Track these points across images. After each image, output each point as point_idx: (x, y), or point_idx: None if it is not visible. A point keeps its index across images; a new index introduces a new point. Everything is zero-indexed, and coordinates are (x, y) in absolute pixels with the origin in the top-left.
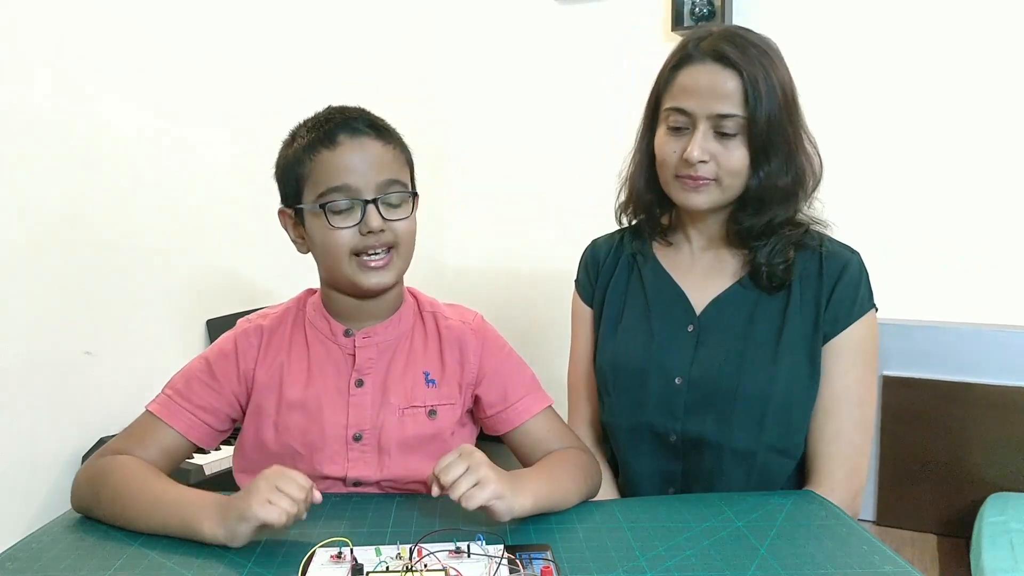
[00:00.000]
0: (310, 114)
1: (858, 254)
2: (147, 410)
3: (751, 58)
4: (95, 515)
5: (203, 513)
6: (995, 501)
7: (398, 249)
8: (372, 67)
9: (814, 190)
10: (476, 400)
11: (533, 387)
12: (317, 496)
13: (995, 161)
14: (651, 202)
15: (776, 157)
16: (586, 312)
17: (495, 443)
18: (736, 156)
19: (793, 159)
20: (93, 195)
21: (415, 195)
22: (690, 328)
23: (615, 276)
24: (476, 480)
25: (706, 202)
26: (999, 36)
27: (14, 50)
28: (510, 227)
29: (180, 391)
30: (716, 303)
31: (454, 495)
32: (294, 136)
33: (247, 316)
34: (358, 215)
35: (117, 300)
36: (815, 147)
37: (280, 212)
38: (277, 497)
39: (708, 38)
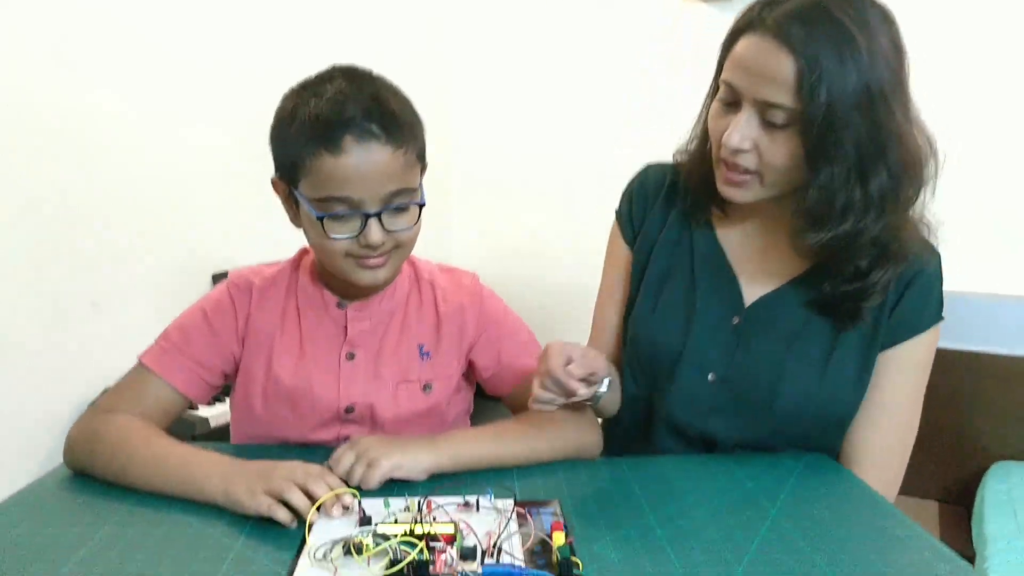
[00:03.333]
0: (312, 73)
1: (937, 256)
2: (141, 362)
3: (822, 39)
4: (91, 474)
5: (208, 476)
6: (999, 469)
7: (399, 251)
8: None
9: (914, 200)
10: (471, 364)
11: (529, 347)
12: (341, 507)
13: (999, 131)
14: (707, 173)
15: (840, 163)
16: (623, 253)
17: (493, 401)
18: (782, 152)
19: (870, 166)
20: (100, 150)
21: (422, 205)
22: (735, 321)
23: (665, 231)
24: (367, 463)
25: (744, 198)
26: None
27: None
28: (517, 229)
29: (178, 344)
30: (767, 300)
31: (352, 483)
32: (294, 111)
33: (237, 270)
34: (358, 225)
35: (122, 252)
36: (924, 145)
37: (273, 182)
38: (276, 506)
39: (781, 5)
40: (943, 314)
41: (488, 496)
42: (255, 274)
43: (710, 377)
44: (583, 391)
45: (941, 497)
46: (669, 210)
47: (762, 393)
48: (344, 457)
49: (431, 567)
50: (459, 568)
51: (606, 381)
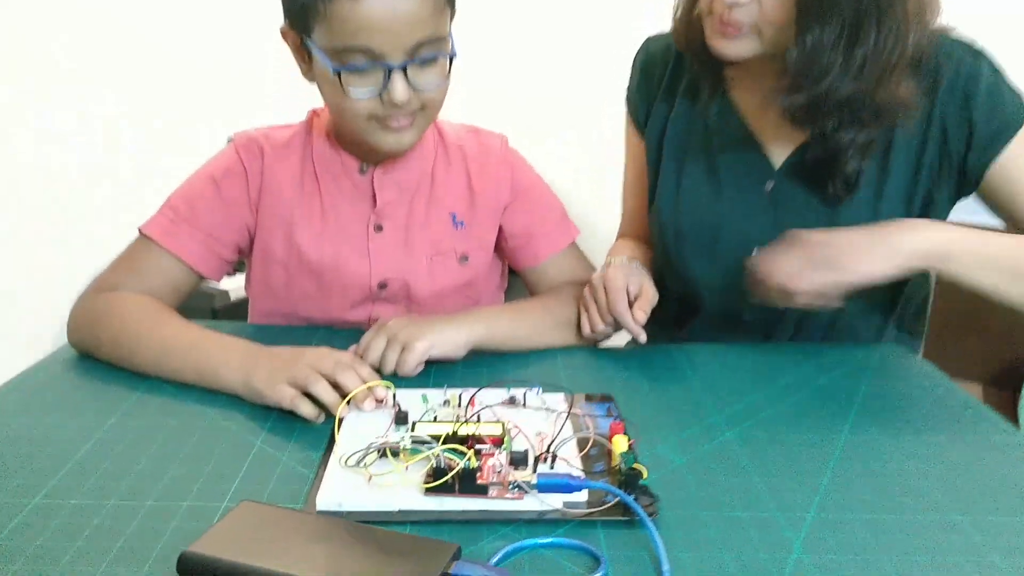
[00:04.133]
0: None
1: (983, 56)
2: (144, 235)
3: None
4: (97, 357)
5: (225, 362)
6: None
7: (425, 112)
8: None
9: (900, 64)
10: (500, 231)
11: (559, 220)
12: (375, 398)
13: None
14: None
15: (832, 22)
16: (636, 142)
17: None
18: (781, 4)
19: (862, 30)
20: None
21: (452, 57)
22: (769, 187)
23: (675, 109)
24: (400, 346)
25: (738, 51)
26: None
27: None
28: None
29: (184, 214)
30: (799, 157)
31: (387, 370)
32: None
33: (243, 132)
34: (380, 79)
35: (136, 113)
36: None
37: (282, 31)
38: (300, 399)
39: None
40: None
41: (536, 390)
42: (264, 137)
43: (755, 253)
44: (643, 337)
45: (988, 380)
46: (676, 87)
47: None
48: (374, 343)
49: (478, 475)
50: (510, 478)
51: None
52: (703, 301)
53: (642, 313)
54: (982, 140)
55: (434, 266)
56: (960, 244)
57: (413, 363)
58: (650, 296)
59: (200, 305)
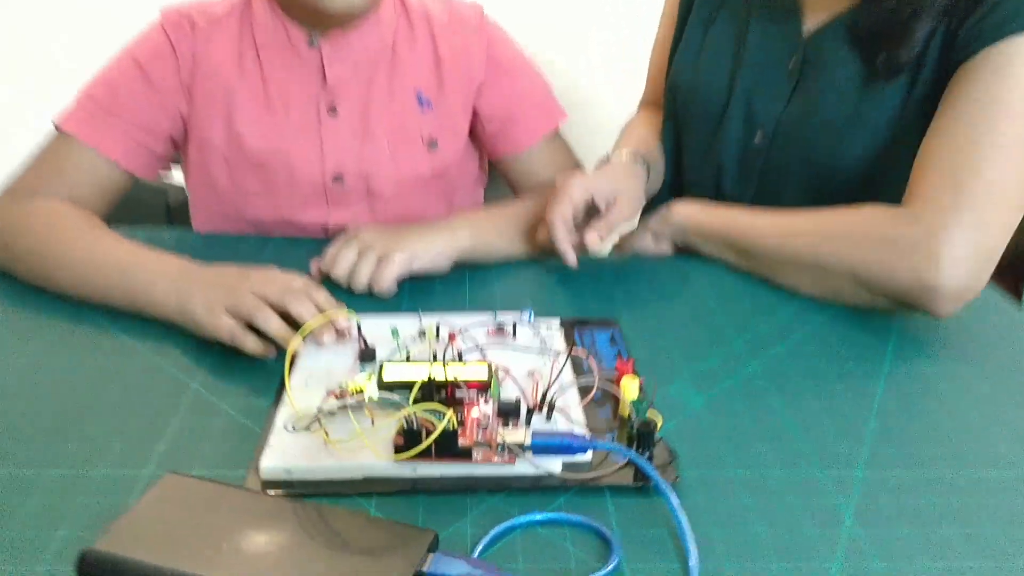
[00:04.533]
0: None
1: None
2: (61, 130)
3: None
4: (13, 275)
5: (154, 284)
6: None
7: None
8: None
9: None
10: (475, 114)
11: (542, 100)
12: (335, 328)
13: None
14: None
15: None
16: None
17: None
18: None
19: None
20: None
21: None
22: (790, 63)
23: None
24: (376, 258)
25: None
26: None
27: None
28: None
29: (104, 104)
30: (832, 29)
31: (359, 285)
32: None
33: (170, 7)
34: None
35: None
36: None
37: None
38: (241, 333)
39: None
40: None
41: (527, 315)
42: (196, 11)
43: (757, 138)
44: (573, 263)
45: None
46: None
47: (822, 153)
48: (343, 254)
49: (459, 432)
50: (499, 437)
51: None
52: (697, 186)
53: (595, 235)
54: (967, 34)
55: (398, 153)
56: (696, 223)
57: (391, 277)
58: (621, 214)
59: (152, 201)
